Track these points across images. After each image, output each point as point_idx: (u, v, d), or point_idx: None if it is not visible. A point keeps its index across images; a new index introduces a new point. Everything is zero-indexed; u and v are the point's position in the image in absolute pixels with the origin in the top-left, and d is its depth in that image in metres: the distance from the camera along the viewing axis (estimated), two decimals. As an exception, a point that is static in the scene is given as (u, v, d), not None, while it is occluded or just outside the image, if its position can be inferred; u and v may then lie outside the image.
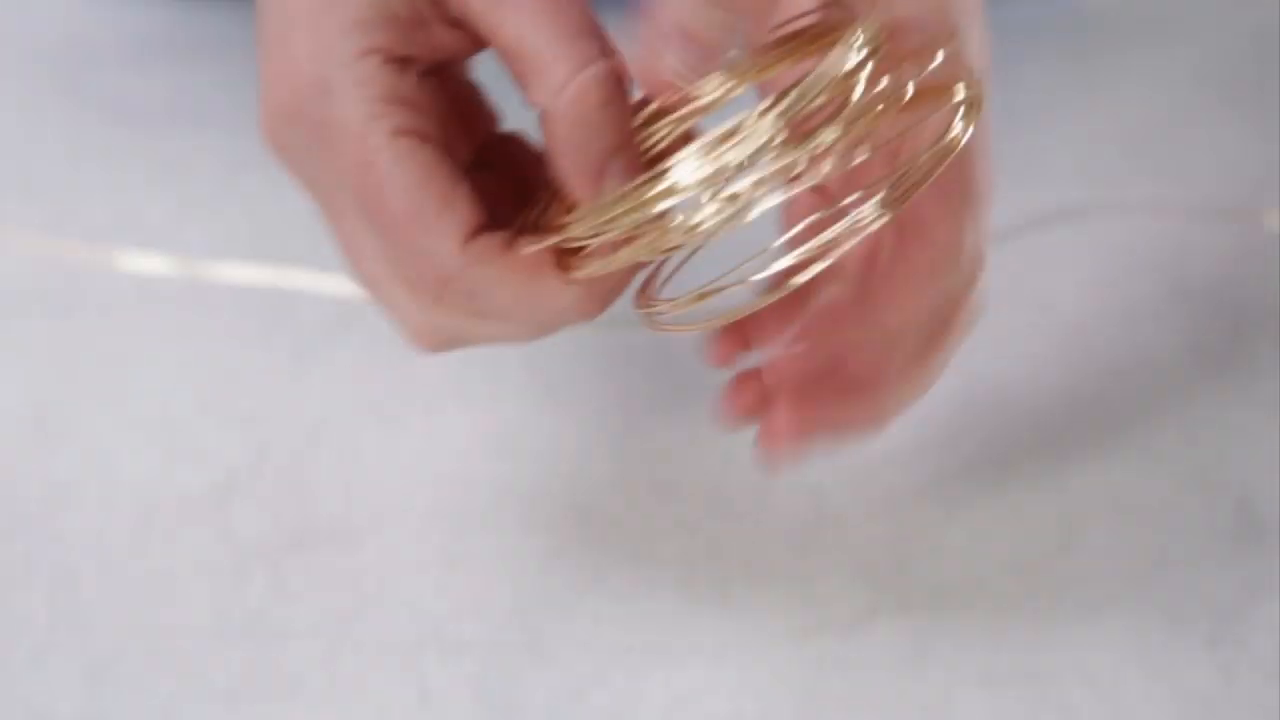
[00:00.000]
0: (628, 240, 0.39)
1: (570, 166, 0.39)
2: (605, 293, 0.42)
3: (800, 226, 0.41)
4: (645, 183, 0.38)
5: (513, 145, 0.44)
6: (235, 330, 0.55)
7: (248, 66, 0.68)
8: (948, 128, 0.40)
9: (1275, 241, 0.60)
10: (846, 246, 0.39)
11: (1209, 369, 0.54)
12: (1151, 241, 0.60)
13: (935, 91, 0.40)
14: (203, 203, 0.61)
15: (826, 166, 0.38)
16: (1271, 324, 0.56)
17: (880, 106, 0.38)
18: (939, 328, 0.45)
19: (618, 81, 0.39)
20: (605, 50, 0.39)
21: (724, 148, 0.37)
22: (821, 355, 0.44)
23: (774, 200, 0.38)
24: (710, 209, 0.38)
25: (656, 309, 0.41)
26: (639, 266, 0.41)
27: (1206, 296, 0.57)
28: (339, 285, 0.56)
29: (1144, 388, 0.54)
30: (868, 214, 0.38)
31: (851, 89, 0.38)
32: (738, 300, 0.40)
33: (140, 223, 0.60)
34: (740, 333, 0.45)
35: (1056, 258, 0.59)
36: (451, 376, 0.53)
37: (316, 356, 0.54)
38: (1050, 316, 0.56)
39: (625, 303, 0.54)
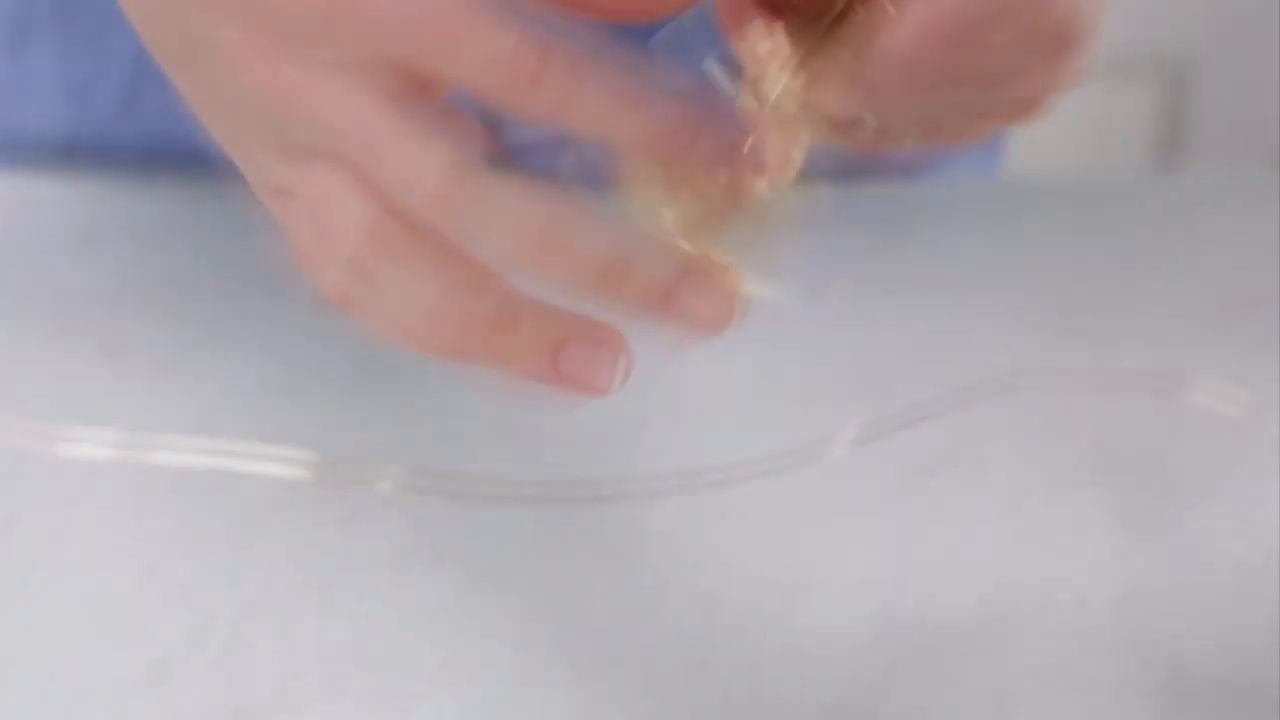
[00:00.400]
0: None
1: None
2: None
3: None
4: None
5: None
6: (175, 508, 0.55)
7: (193, 247, 0.69)
8: None
9: (1200, 411, 0.61)
10: None
11: (1138, 535, 0.55)
12: (1079, 411, 0.61)
13: None
14: (145, 382, 0.61)
15: None
16: (1198, 491, 0.57)
17: None
18: None
19: None
20: None
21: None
22: None
23: None
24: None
25: None
26: None
27: (1134, 464, 0.58)
28: (278, 464, 0.56)
29: (1074, 554, 0.54)
30: None
31: None
32: None
33: (82, 402, 0.60)
34: None
35: (986, 428, 0.60)
36: (390, 553, 0.54)
37: (256, 534, 0.54)
38: (980, 485, 0.57)
39: (566, 474, 0.55)
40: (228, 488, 0.56)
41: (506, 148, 0.74)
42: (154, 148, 0.74)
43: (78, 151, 0.74)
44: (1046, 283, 0.69)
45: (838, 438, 0.59)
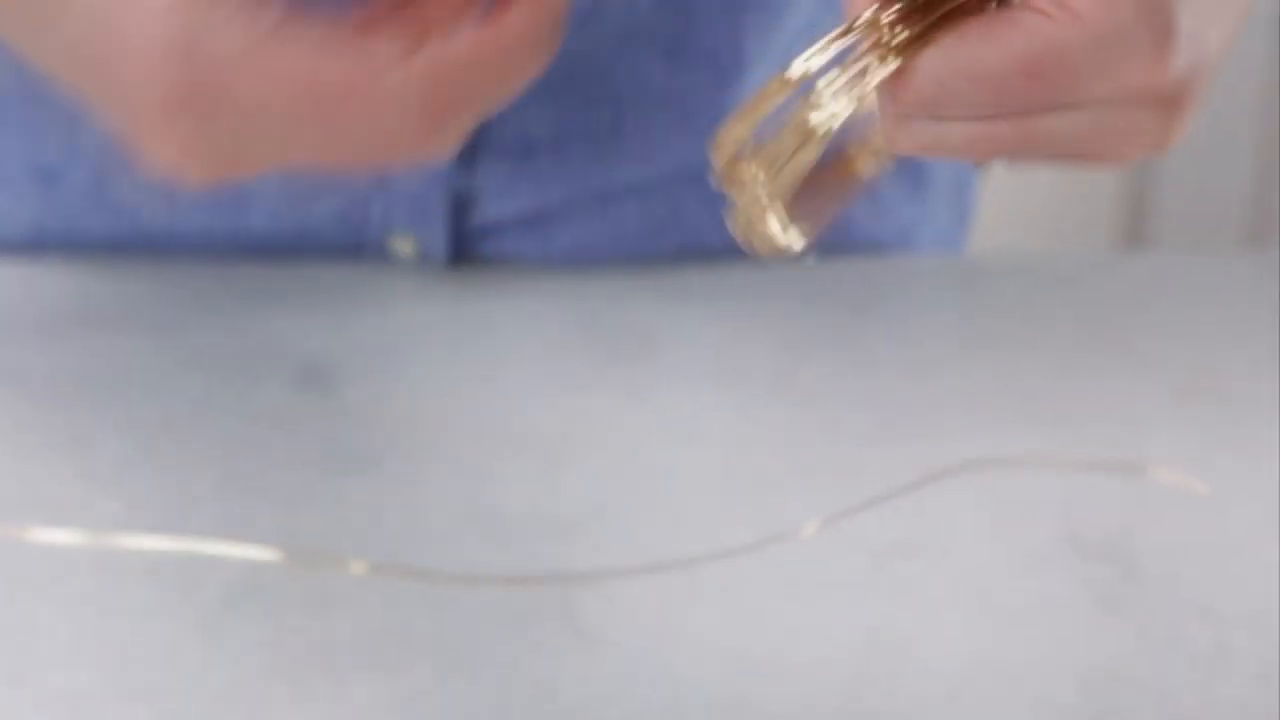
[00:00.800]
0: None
1: None
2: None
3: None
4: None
5: None
6: (142, 601, 0.55)
7: (160, 335, 0.69)
8: None
9: (1162, 492, 0.61)
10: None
11: (1102, 616, 0.55)
12: (1044, 492, 0.61)
13: None
14: (112, 473, 0.61)
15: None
16: (1163, 571, 0.58)
17: None
18: None
19: None
20: None
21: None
22: None
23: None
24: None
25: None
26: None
27: (1098, 545, 0.58)
28: (246, 554, 0.56)
29: (1039, 635, 0.54)
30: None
31: None
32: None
33: (49, 492, 0.60)
34: None
35: (952, 510, 0.60)
36: (360, 642, 0.53)
37: (224, 626, 0.54)
38: (948, 566, 0.57)
39: (536, 557, 0.55)
40: (195, 580, 0.56)
41: (478, 227, 0.75)
42: (123, 235, 0.74)
43: (46, 239, 0.74)
44: (1011, 363, 0.69)
45: (806, 521, 0.59)
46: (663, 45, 0.71)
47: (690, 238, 0.76)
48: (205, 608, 0.55)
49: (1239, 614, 0.55)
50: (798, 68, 0.44)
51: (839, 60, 0.44)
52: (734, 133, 0.45)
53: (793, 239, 0.46)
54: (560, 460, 0.63)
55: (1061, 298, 0.75)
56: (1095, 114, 0.44)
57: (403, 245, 0.74)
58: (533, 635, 0.54)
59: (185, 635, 0.54)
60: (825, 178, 0.46)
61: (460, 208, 0.73)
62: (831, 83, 0.44)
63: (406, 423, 0.64)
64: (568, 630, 0.54)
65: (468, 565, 0.56)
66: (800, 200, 0.46)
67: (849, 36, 0.44)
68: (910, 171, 0.79)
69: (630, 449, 0.63)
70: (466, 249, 0.75)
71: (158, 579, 0.56)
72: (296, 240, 0.74)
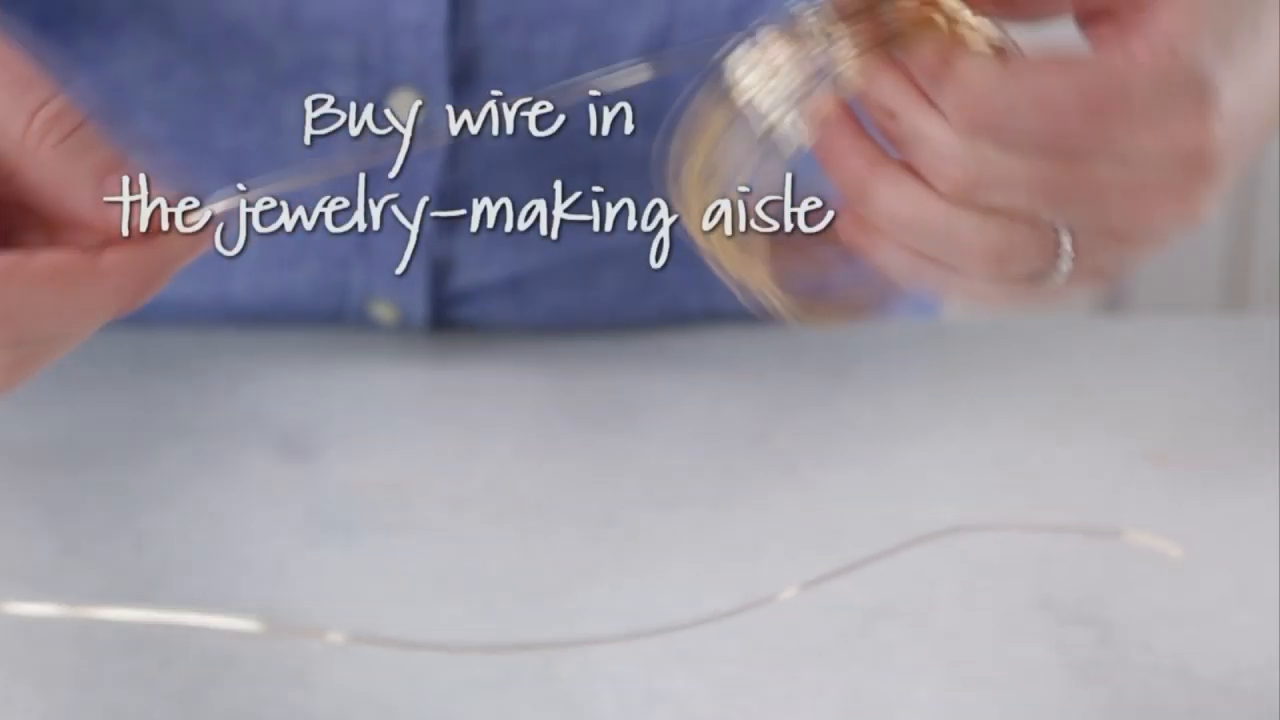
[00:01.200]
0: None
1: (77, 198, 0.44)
2: (142, 279, 0.44)
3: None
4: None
5: None
6: (121, 673, 0.55)
7: (138, 401, 0.69)
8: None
9: (1137, 556, 0.62)
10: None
11: (1078, 680, 0.56)
12: (1019, 556, 0.61)
13: None
14: (91, 542, 0.61)
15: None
16: (1138, 634, 0.58)
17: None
18: None
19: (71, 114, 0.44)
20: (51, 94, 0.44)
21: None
22: None
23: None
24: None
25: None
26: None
27: (1073, 609, 0.59)
28: (225, 624, 0.56)
29: (1016, 698, 0.55)
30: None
31: None
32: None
33: (26, 566, 0.60)
34: None
35: (930, 574, 0.60)
36: (339, 712, 0.53)
37: (203, 697, 0.54)
38: (925, 631, 0.58)
39: (516, 622, 0.55)
40: (174, 651, 0.56)
41: (458, 293, 0.75)
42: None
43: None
44: (987, 427, 0.70)
45: (784, 585, 0.59)
46: (640, 110, 0.71)
47: (669, 302, 0.76)
48: (184, 678, 0.55)
49: (1215, 677, 0.56)
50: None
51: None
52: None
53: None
54: (539, 526, 0.63)
55: (1037, 361, 0.75)
56: (1136, 168, 0.45)
57: (383, 311, 0.74)
58: (512, 703, 0.54)
59: (164, 706, 0.54)
60: (819, 242, 0.46)
61: (440, 273, 0.74)
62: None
63: (385, 490, 0.64)
64: (547, 697, 0.54)
65: (447, 633, 0.56)
66: (791, 262, 0.46)
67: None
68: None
69: (609, 514, 0.63)
70: (446, 314, 0.75)
71: (136, 650, 0.56)
72: (277, 307, 0.75)
